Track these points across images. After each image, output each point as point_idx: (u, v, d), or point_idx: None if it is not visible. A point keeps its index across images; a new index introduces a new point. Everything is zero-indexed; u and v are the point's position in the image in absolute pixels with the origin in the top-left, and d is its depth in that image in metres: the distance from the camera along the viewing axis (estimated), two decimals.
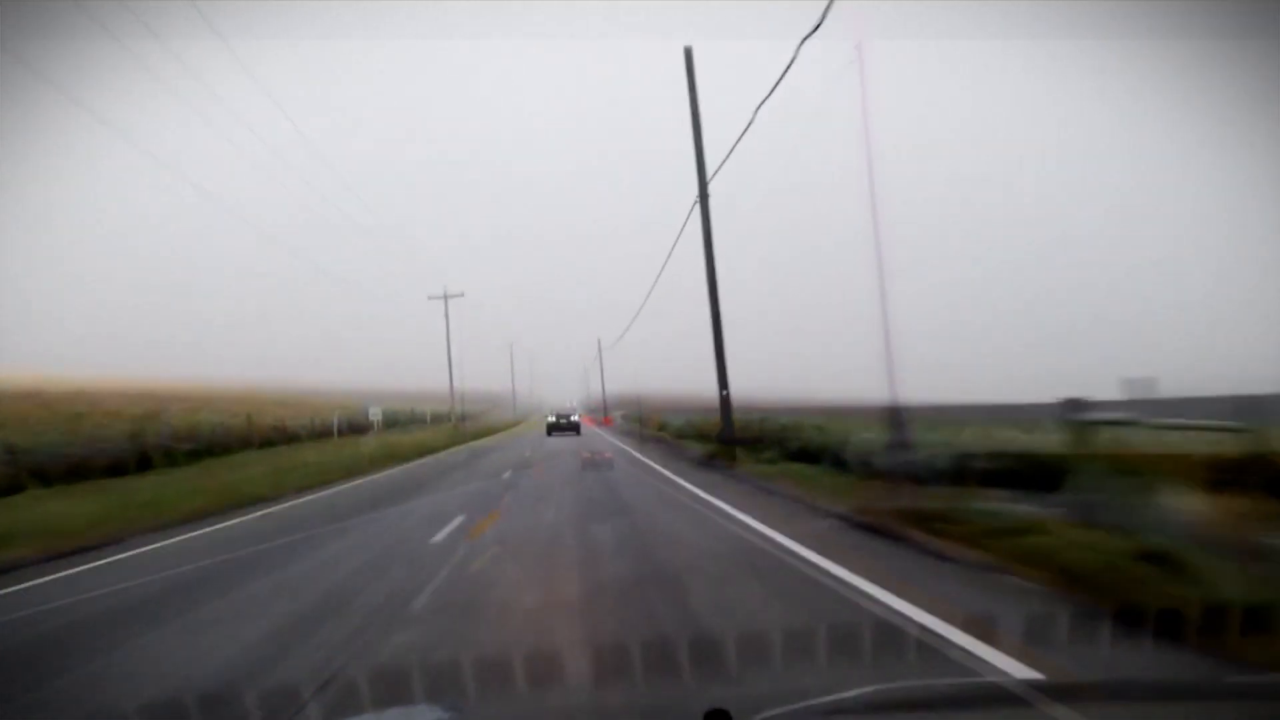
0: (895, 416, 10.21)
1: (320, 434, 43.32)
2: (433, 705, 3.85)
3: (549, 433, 47.14)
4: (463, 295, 58.75)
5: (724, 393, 20.99)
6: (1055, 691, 2.11)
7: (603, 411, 79.92)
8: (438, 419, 76.90)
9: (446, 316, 58.30)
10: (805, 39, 13.32)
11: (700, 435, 32.38)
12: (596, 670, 4.60)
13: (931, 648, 4.69)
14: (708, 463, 20.15)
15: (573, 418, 49.69)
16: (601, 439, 40.58)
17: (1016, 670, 4.19)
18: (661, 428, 45.21)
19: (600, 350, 79.18)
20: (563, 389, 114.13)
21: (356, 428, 50.73)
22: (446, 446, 37.28)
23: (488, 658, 4.76)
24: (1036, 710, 1.91)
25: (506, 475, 19.26)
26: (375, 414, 50.89)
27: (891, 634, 4.99)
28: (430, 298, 58.17)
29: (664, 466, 20.04)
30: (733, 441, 20.81)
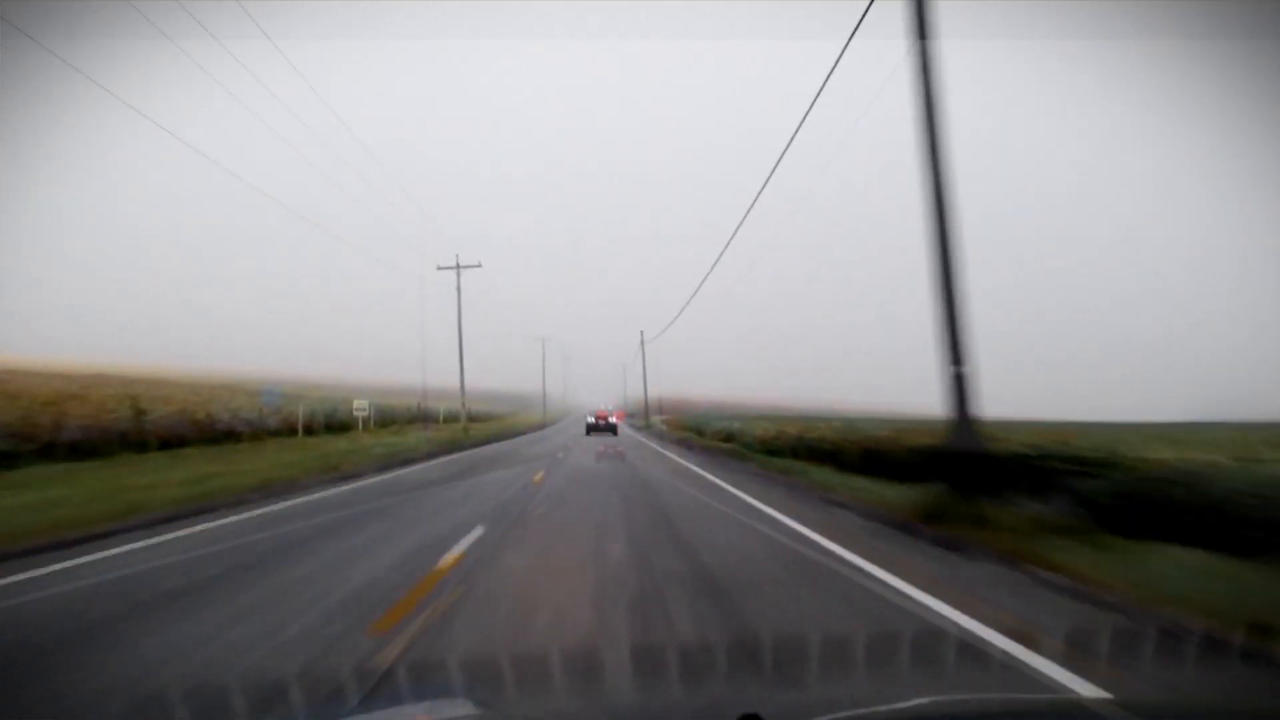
0: None
1: (276, 432, 32.55)
2: (465, 700, 3.54)
3: (588, 432, 47.87)
4: (479, 266, 47.87)
5: (957, 370, 9.49)
6: (1116, 709, 2.07)
7: (644, 416, 68.53)
8: (452, 419, 66.12)
9: (458, 290, 47.47)
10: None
11: (810, 451, 20.84)
12: None
13: None
14: (938, 533, 8.63)
15: (610, 419, 50.70)
16: (652, 454, 29.25)
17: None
18: (729, 438, 33.67)
19: (643, 343, 67.86)
20: (598, 392, 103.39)
21: (338, 425, 40.04)
22: (432, 455, 26.21)
23: None
24: None
25: (447, 559, 8.03)
26: (361, 408, 40.21)
27: None
28: (440, 268, 47.39)
29: (872, 558, 8.44)
30: (976, 478, 9.33)
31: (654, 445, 34.95)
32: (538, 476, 17.38)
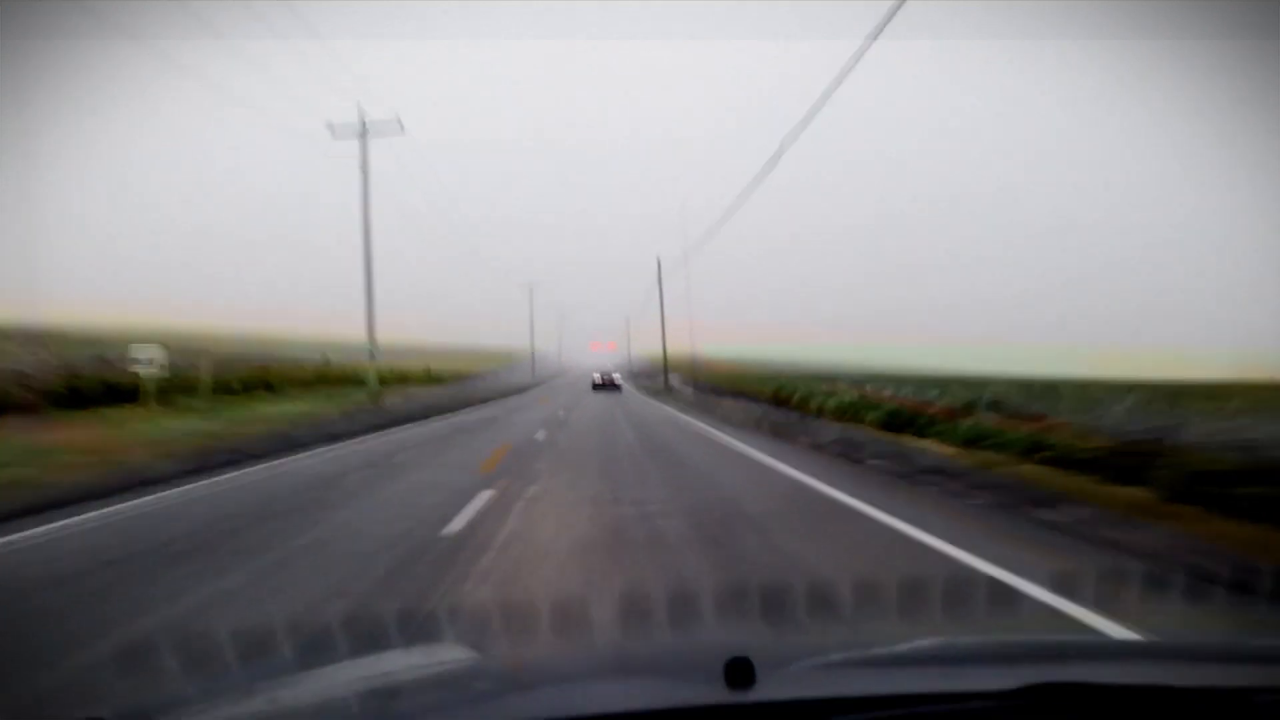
0: None
1: None
2: (458, 646, 3.52)
3: (594, 388, 48.90)
4: (401, 130, 28.81)
5: None
6: (1130, 650, 2.05)
7: (662, 377, 50.07)
8: (403, 376, 47.87)
9: (364, 169, 28.50)
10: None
11: None
12: None
13: None
14: None
15: (615, 378, 51.87)
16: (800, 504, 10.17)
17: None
18: (847, 413, 15.19)
19: (660, 276, 48.88)
20: (598, 355, 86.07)
21: (100, 390, 21.50)
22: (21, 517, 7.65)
23: None
24: (1109, 666, 1.66)
25: None
26: (145, 362, 21.47)
27: None
28: (331, 125, 28.38)
29: None
30: None
31: (721, 436, 16.39)
32: None
